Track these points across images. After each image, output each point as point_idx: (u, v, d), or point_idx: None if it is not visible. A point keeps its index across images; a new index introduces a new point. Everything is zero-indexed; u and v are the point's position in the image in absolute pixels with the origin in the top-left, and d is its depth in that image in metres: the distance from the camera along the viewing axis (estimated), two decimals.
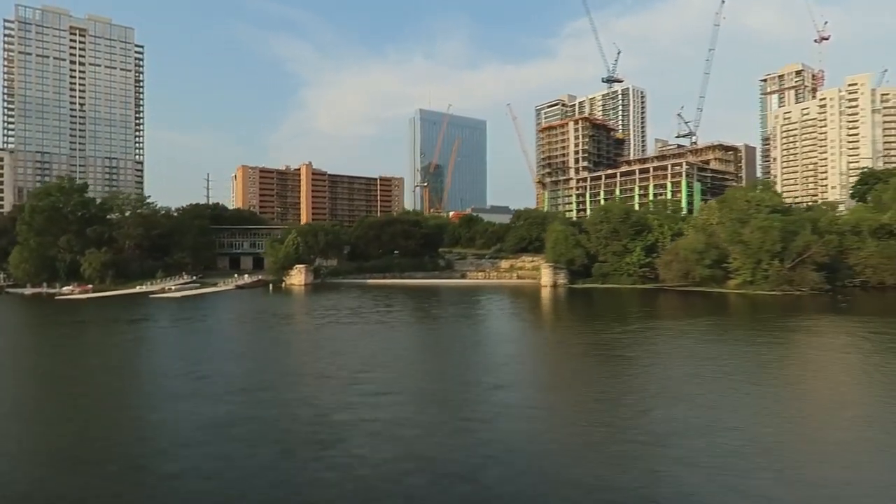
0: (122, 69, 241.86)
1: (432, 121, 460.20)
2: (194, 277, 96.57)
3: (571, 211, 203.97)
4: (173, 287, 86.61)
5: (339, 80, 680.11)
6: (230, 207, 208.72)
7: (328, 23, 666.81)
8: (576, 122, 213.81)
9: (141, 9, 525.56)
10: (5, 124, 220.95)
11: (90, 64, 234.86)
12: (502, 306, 66.52)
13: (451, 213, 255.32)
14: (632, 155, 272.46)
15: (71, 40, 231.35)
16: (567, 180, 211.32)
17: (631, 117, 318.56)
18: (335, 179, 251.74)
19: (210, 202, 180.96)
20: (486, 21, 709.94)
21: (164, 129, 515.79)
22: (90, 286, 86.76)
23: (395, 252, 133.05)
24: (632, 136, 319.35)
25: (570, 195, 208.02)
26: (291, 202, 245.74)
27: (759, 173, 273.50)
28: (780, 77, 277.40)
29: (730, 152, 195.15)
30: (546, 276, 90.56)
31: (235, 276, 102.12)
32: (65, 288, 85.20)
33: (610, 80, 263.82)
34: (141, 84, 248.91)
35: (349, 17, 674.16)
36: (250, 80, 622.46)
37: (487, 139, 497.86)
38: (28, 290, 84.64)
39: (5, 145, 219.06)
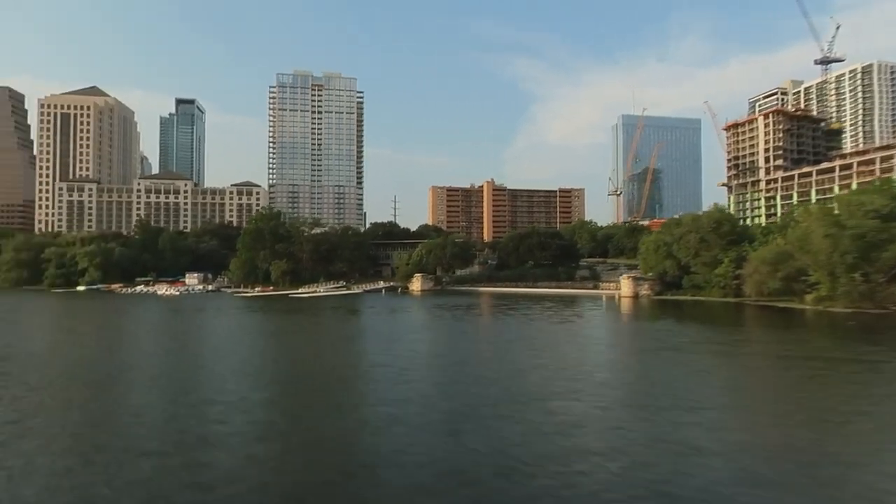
0: (347, 113, 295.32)
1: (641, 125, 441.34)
2: (344, 283, 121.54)
3: (760, 216, 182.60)
4: (321, 290, 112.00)
5: (569, 92, 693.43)
6: (427, 223, 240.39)
7: (560, 39, 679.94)
8: (765, 116, 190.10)
9: (386, 49, 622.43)
10: (270, 165, 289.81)
11: (325, 112, 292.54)
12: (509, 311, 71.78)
13: (647, 222, 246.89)
14: (877, 144, 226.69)
15: (312, 95, 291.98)
16: (755, 182, 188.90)
17: (876, 100, 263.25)
18: (515, 193, 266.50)
19: (396, 220, 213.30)
20: (733, 9, 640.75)
21: (412, 153, 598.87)
22: (271, 287, 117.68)
23: (530, 263, 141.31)
24: (876, 123, 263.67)
25: (759, 198, 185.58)
26: (475, 217, 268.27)
27: None
28: None
29: None
30: (626, 288, 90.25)
31: (380, 282, 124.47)
32: (256, 288, 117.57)
33: (825, 62, 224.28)
34: (361, 123, 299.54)
35: (580, 32, 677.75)
36: (487, 103, 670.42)
37: (702, 139, 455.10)
38: (229, 290, 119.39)
39: (269, 180, 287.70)
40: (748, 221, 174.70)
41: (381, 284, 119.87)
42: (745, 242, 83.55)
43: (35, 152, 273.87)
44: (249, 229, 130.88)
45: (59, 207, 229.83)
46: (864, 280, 61.54)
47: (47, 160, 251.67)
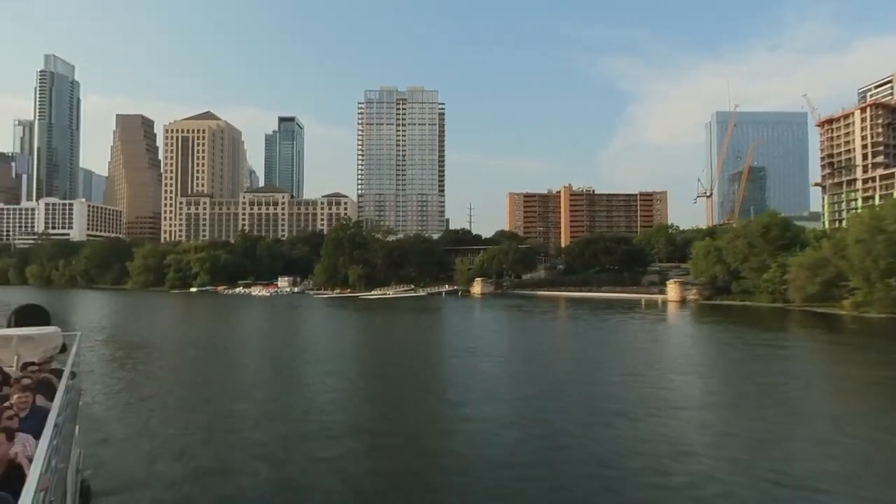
0: (429, 124, 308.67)
1: (741, 122, 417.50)
2: (412, 286, 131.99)
3: None
4: (391, 292, 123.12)
5: (669, 90, 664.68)
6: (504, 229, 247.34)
7: (659, 35, 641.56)
8: (862, 110, 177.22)
9: (474, 55, 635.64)
10: (359, 176, 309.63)
11: (409, 124, 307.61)
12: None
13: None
14: None
15: (397, 109, 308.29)
16: (851, 181, 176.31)
17: None
18: (593, 198, 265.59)
19: (471, 227, 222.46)
20: None
21: (502, 158, 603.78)
22: (348, 290, 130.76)
23: (594, 268, 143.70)
24: None
25: (856, 198, 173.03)
26: (553, 222, 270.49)
27: None
28: None
29: None
30: (673, 292, 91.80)
31: (445, 286, 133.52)
32: (335, 290, 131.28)
33: None
34: (443, 133, 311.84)
35: (681, 25, 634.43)
36: (581, 105, 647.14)
37: (809, 135, 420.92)
38: (312, 292, 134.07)
39: (358, 190, 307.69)
40: (844, 223, 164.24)
41: (446, 287, 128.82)
42: (798, 247, 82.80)
43: (162, 170, 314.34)
44: (331, 238, 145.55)
45: (180, 219, 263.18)
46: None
47: (171, 177, 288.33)
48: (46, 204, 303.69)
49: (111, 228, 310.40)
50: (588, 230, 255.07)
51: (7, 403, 6.50)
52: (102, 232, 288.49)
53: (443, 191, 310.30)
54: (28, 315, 13.34)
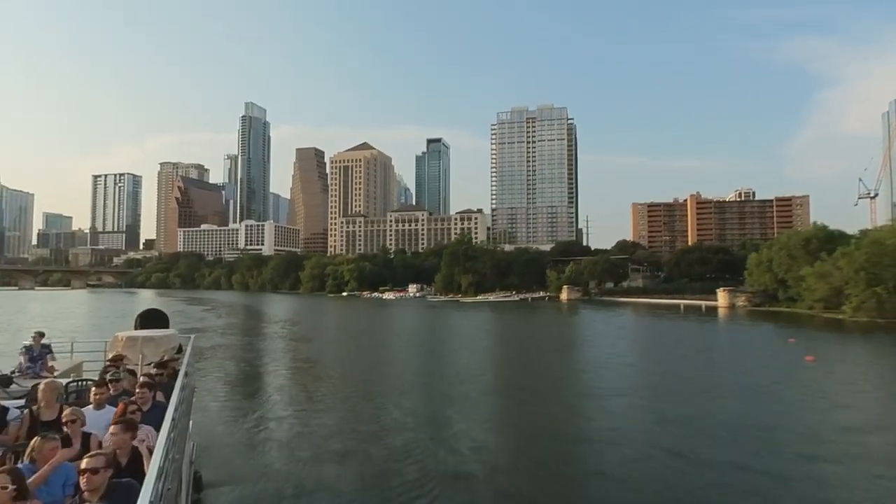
0: (558, 140, 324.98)
1: None
2: (513, 292, 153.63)
3: None
4: (492, 297, 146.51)
5: (872, 68, 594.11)
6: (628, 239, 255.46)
7: (856, 5, 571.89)
8: None
9: (635, 52, 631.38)
10: (492, 192, 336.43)
11: (538, 141, 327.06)
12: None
13: None
14: None
15: (527, 127, 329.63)
16: None
17: None
18: (722, 206, 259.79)
19: (588, 239, 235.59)
20: None
21: (671, 160, 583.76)
22: (460, 295, 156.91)
23: (686, 278, 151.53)
24: None
25: None
26: (680, 231, 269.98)
27: None
28: None
29: None
30: (722, 299, 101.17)
31: (540, 292, 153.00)
32: (449, 295, 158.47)
33: None
34: (573, 148, 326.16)
35: None
36: (759, 96, 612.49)
37: None
38: (429, 296, 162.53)
39: (492, 205, 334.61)
40: None
41: (538, 293, 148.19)
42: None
43: (329, 194, 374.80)
44: (448, 251, 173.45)
45: (341, 235, 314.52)
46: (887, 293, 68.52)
47: (335, 200, 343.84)
48: (246, 225, 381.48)
49: (291, 244, 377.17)
50: (716, 238, 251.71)
51: (132, 399, 7.23)
52: (285, 247, 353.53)
53: (572, 202, 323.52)
54: (151, 318, 14.71)
